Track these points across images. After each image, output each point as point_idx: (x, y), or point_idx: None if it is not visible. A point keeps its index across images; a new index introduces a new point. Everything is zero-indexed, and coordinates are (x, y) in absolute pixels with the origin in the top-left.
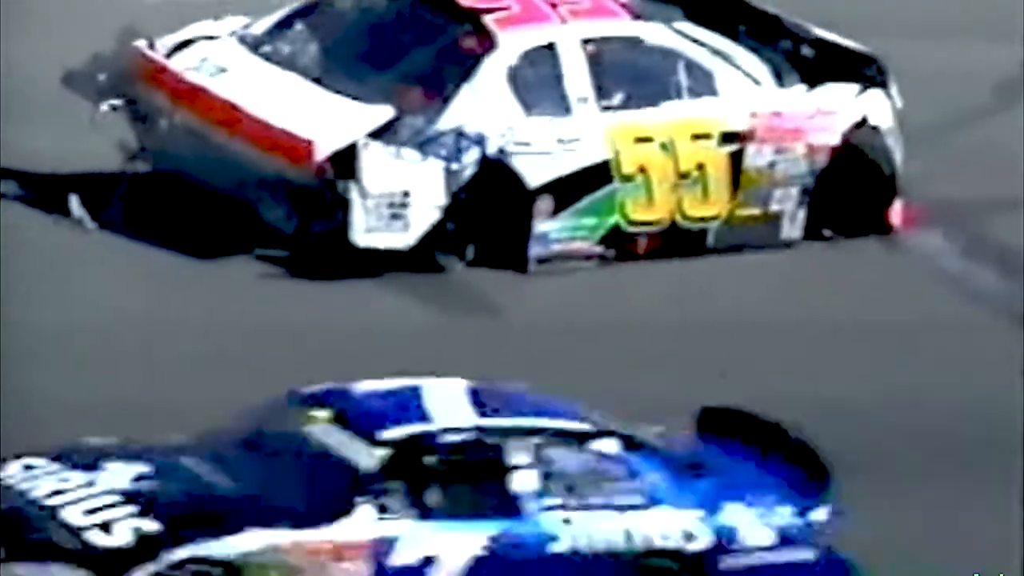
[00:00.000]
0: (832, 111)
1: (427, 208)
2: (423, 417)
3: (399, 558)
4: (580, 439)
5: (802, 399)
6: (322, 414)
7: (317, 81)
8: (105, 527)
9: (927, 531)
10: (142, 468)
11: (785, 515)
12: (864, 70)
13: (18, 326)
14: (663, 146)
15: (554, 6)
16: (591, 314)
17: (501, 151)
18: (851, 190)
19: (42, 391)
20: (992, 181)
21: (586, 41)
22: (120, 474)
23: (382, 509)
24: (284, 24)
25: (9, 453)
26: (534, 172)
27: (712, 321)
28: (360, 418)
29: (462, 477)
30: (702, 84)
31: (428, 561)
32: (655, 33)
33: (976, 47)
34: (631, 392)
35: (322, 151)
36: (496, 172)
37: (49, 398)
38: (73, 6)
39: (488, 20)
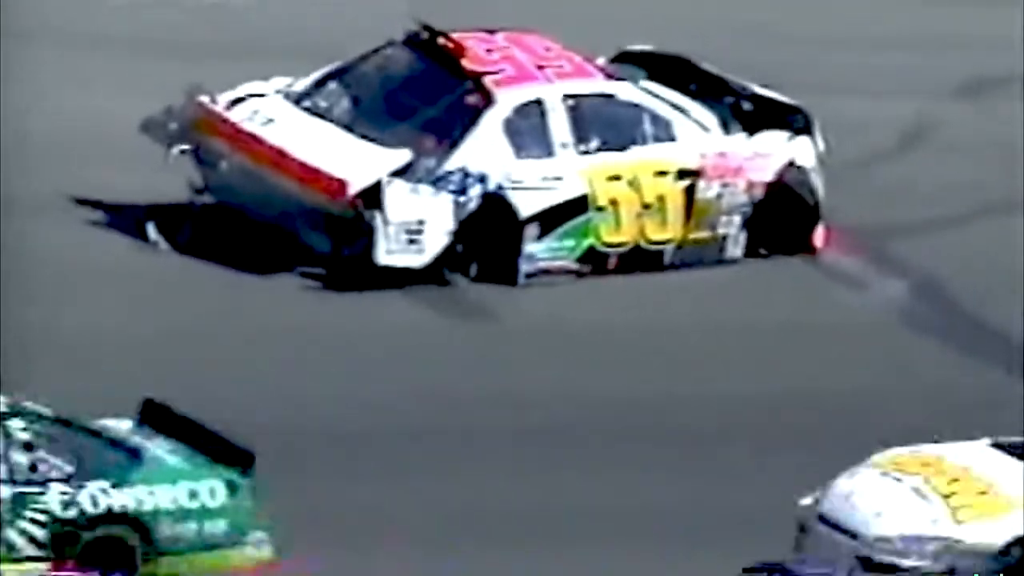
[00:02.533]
0: (767, 153)
1: (438, 234)
2: None
3: None
4: None
5: (742, 392)
6: None
7: (348, 130)
8: None
9: None
10: None
11: None
12: (793, 120)
13: (98, 331)
14: (630, 182)
15: (541, 68)
16: (570, 318)
17: (499, 187)
18: (782, 217)
19: (122, 381)
20: (896, 211)
21: (567, 97)
22: None
23: None
24: (321, 83)
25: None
26: (525, 204)
27: (668, 324)
28: None
29: None
30: (662, 132)
31: None
32: (624, 91)
33: (883, 102)
34: (601, 381)
35: (353, 187)
36: (495, 204)
37: (126, 388)
38: (146, 68)
39: (487, 81)
